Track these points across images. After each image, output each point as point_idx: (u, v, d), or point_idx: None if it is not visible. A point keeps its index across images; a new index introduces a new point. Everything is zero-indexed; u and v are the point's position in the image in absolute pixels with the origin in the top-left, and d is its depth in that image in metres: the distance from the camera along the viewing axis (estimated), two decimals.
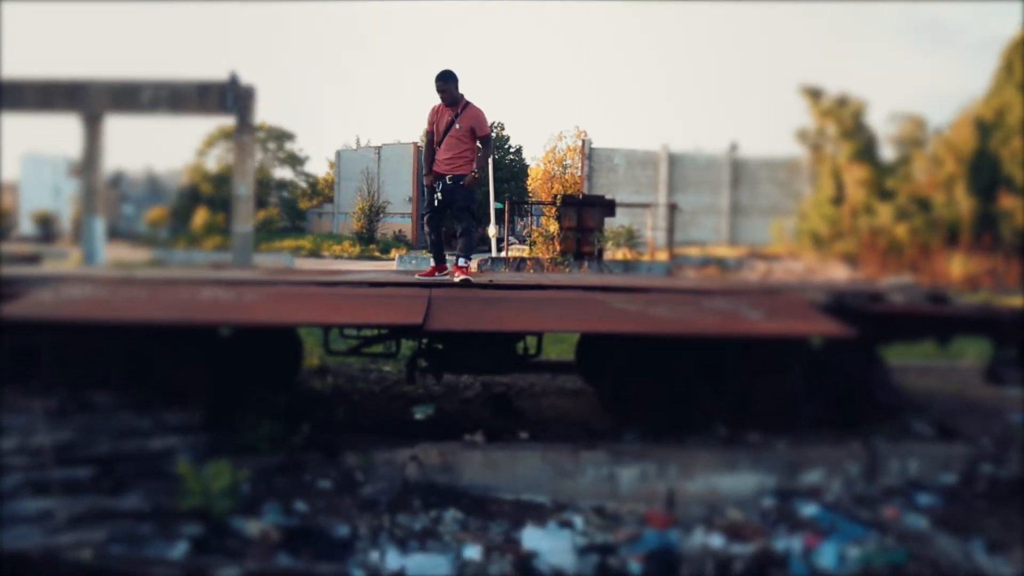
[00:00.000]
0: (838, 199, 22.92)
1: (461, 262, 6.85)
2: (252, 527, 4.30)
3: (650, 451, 5.25)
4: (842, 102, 23.33)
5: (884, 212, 21.76)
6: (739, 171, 28.42)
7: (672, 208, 24.59)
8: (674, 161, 28.67)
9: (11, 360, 5.38)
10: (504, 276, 8.21)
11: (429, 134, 7.13)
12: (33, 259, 18.70)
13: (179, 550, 4.06)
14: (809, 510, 4.90)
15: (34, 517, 4.07)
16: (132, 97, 22.31)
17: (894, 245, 21.37)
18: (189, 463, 4.34)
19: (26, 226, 51.05)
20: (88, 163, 22.62)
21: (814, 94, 23.53)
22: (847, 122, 23.17)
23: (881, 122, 23.68)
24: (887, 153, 22.95)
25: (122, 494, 4.36)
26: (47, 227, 49.81)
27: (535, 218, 27.84)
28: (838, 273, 20.67)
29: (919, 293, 6.25)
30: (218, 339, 5.65)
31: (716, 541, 4.45)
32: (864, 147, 22.93)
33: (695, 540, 4.51)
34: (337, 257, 34.40)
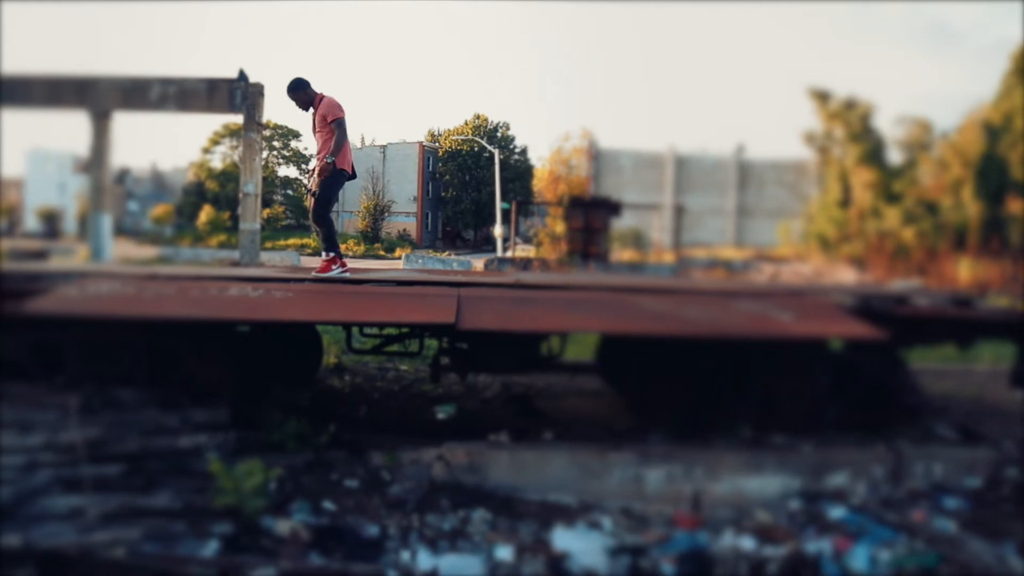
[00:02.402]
0: (845, 202, 22.90)
1: (325, 255, 6.84)
2: (282, 526, 4.29)
3: (676, 452, 5.24)
4: (850, 105, 23.31)
5: (891, 215, 21.75)
6: (746, 173, 28.37)
7: (679, 209, 24.58)
8: (681, 162, 28.60)
9: (37, 356, 5.38)
10: (530, 276, 8.18)
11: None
12: (40, 255, 18.72)
13: (210, 549, 4.04)
14: (837, 513, 4.88)
15: (66, 514, 4.06)
16: (141, 94, 22.27)
17: (901, 248, 21.35)
18: (220, 461, 4.32)
19: (31, 222, 51.10)
20: (96, 160, 22.60)
21: (822, 96, 23.50)
22: (855, 125, 23.15)
23: (888, 125, 23.65)
24: (894, 156, 22.93)
25: (152, 492, 4.35)
26: (52, 223, 49.85)
27: (541, 219, 27.83)
28: (845, 276, 20.66)
29: (943, 297, 6.24)
30: (243, 336, 5.65)
31: (747, 543, 4.44)
32: (872, 150, 22.90)
33: (725, 542, 4.49)
34: (342, 255, 34.38)
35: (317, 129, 6.91)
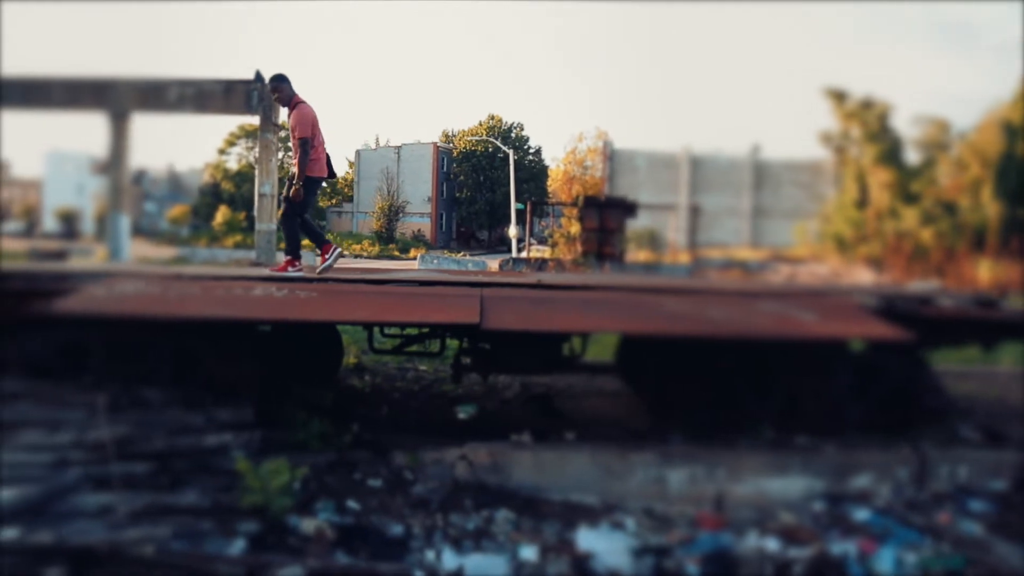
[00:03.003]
0: (862, 202, 22.75)
1: (289, 256, 6.91)
2: (308, 525, 4.31)
3: (698, 453, 5.23)
4: (867, 104, 23.14)
5: (909, 216, 21.60)
6: (761, 173, 28.21)
7: (694, 210, 24.51)
8: (696, 163, 28.48)
9: (63, 355, 5.44)
10: (551, 276, 8.19)
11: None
12: (60, 255, 18.88)
13: (237, 547, 4.07)
14: (861, 514, 4.86)
15: (95, 512, 4.10)
16: (159, 95, 22.44)
17: (919, 249, 21.20)
18: (246, 460, 4.36)
19: (49, 223, 51.58)
20: (114, 161, 22.78)
21: (838, 96, 23.34)
22: (872, 124, 22.98)
23: (906, 125, 23.46)
24: (912, 156, 22.75)
25: (179, 490, 4.39)
26: (70, 224, 50.31)
27: (555, 219, 27.81)
28: (863, 277, 20.52)
29: (966, 298, 6.20)
30: (265, 336, 5.69)
31: (772, 544, 4.42)
32: (889, 150, 22.74)
33: (749, 543, 4.48)
34: (357, 256, 34.54)
35: (292, 136, 6.87)
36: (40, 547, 3.64)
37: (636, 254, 22.34)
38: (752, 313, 5.10)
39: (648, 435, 5.58)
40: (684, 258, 23.61)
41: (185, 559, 3.76)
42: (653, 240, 23.17)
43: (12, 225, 49.31)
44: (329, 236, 40.28)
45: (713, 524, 4.72)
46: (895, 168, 22.56)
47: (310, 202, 7.15)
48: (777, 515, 4.86)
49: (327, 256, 6.89)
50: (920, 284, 15.50)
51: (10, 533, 3.69)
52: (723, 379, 5.61)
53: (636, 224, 22.49)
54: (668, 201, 27.06)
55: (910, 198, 21.90)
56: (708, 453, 5.24)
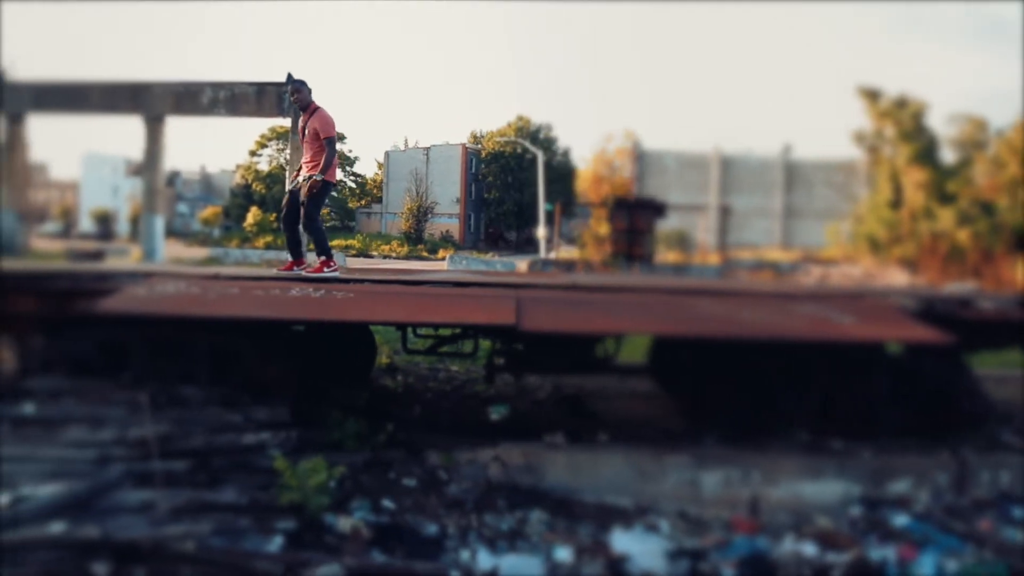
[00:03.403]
0: (896, 202, 22.41)
1: (311, 258, 7.01)
2: (344, 523, 4.36)
3: (733, 456, 5.20)
4: (901, 103, 22.80)
5: (945, 216, 21.23)
6: (793, 173, 27.93)
7: (724, 211, 24.33)
8: (726, 163, 28.27)
9: (105, 353, 5.55)
10: (585, 278, 8.19)
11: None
12: (96, 256, 19.22)
13: (275, 544, 4.13)
14: (900, 520, 4.80)
15: (138, 508, 4.18)
16: (193, 99, 22.78)
17: (956, 250, 20.83)
18: (284, 459, 4.41)
19: (85, 224, 52.56)
20: (149, 163, 23.17)
21: (872, 95, 23.03)
22: (906, 123, 22.64)
23: (941, 123, 23.06)
24: (947, 155, 22.37)
25: (218, 488, 4.45)
26: (106, 225, 51.21)
27: (584, 220, 27.75)
28: (897, 278, 20.22)
29: (1008, 300, 6.08)
30: (300, 336, 5.76)
31: (808, 549, 4.39)
32: (924, 149, 22.38)
33: (786, 547, 4.45)
34: (385, 257, 34.74)
35: (307, 139, 6.95)
36: (86, 541, 3.72)
37: (665, 255, 22.23)
38: (788, 315, 5.05)
39: (682, 437, 5.56)
40: (714, 259, 23.45)
41: (225, 555, 3.82)
42: (682, 241, 23.07)
43: (50, 226, 50.40)
44: (358, 237, 40.47)
45: (748, 528, 4.69)
46: (930, 167, 22.19)
47: (322, 206, 7.25)
48: (813, 520, 4.81)
49: (324, 270, 6.83)
50: (956, 286, 15.23)
51: (58, 527, 3.78)
52: (758, 381, 5.56)
53: (665, 225, 22.37)
54: (698, 202, 26.90)
55: (946, 198, 21.53)
56: (743, 456, 5.21)
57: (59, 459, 4.50)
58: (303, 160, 7.01)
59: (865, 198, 23.70)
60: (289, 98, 7.07)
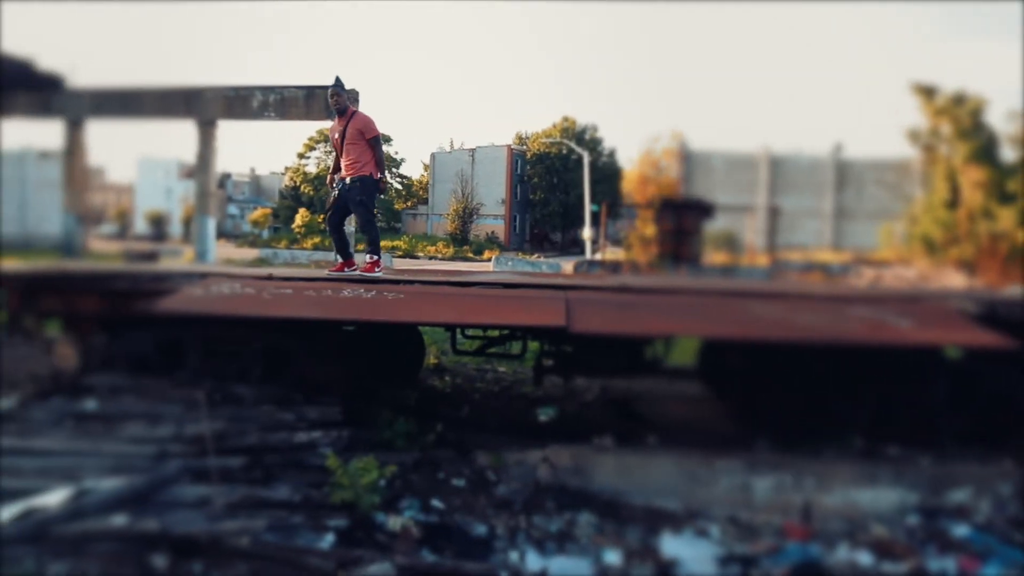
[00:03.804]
0: (953, 202, 21.81)
1: (368, 257, 7.10)
2: (394, 522, 4.40)
3: (786, 461, 5.11)
4: (959, 100, 22.18)
5: (1005, 216, 20.59)
6: (844, 173, 27.36)
7: (773, 211, 23.95)
8: (775, 163, 27.82)
9: (163, 352, 5.70)
10: (635, 279, 8.14)
11: (335, 149, 7.36)
12: (151, 256, 19.75)
13: (327, 541, 4.19)
14: (960, 531, 4.65)
15: (194, 503, 4.28)
16: (244, 103, 23.27)
17: (1016, 251, 20.18)
18: (336, 458, 4.48)
19: (140, 225, 54.04)
20: (201, 166, 23.73)
21: (927, 92, 22.45)
22: (964, 121, 22.02)
23: (1001, 120, 22.34)
24: (1008, 154, 21.68)
25: (272, 485, 4.53)
26: (160, 226, 52.57)
27: (630, 221, 27.57)
28: (954, 281, 19.65)
29: None
30: (351, 336, 5.83)
31: (864, 558, 4.29)
32: (983, 147, 21.74)
33: (840, 555, 4.35)
34: (431, 258, 35.00)
35: (349, 141, 7.07)
36: (146, 534, 3.82)
37: (713, 257, 21.96)
38: (843, 318, 4.95)
39: (732, 441, 5.48)
40: (762, 261, 23.10)
41: (279, 551, 3.89)
42: (730, 242, 22.77)
43: (107, 227, 52.01)
44: (404, 239, 40.89)
45: (801, 534, 4.60)
46: (989, 166, 21.55)
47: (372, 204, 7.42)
48: (869, 528, 4.70)
49: (375, 270, 7.05)
50: (1017, 288, 14.74)
51: (119, 520, 3.89)
52: (811, 386, 5.46)
53: (713, 226, 22.10)
54: (746, 202, 26.52)
55: (1006, 197, 20.88)
56: (795, 461, 5.12)
57: (119, 454, 4.64)
58: (345, 162, 7.13)
59: (920, 198, 23.11)
60: (329, 102, 7.16)
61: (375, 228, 7.33)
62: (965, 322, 5.03)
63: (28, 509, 3.95)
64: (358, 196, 7.08)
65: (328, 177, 7.43)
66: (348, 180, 7.05)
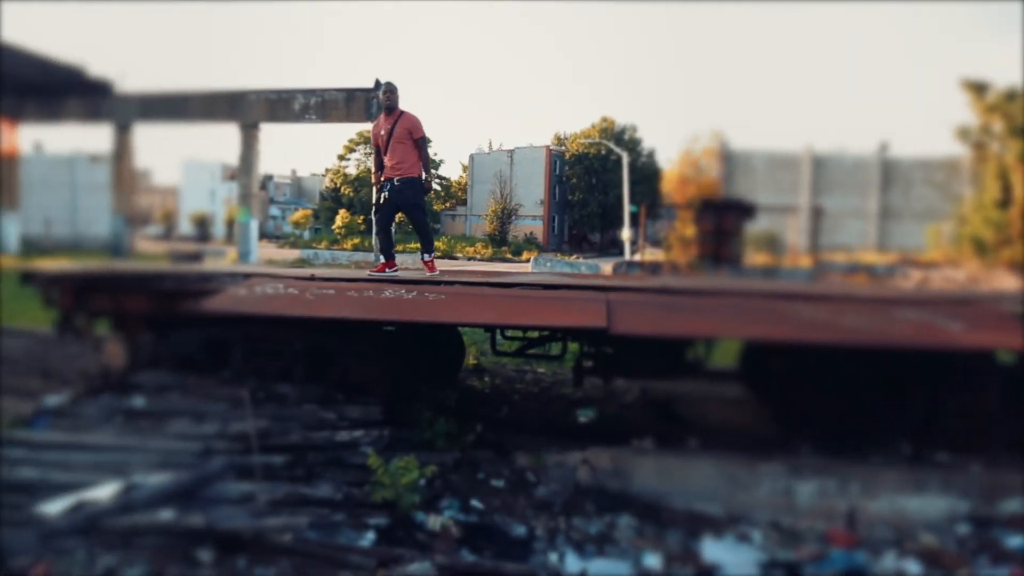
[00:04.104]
0: (1005, 201, 21.23)
1: (426, 257, 7.28)
2: (434, 522, 4.41)
3: (830, 466, 5.02)
4: (1011, 96, 21.56)
5: None
6: (890, 172, 26.81)
7: (816, 211, 23.57)
8: (818, 162, 27.36)
9: (208, 351, 5.80)
10: (675, 280, 8.07)
11: (376, 147, 7.41)
12: (196, 257, 20.14)
13: (367, 539, 4.22)
14: (1014, 541, 4.52)
15: (238, 499, 4.34)
16: (285, 106, 23.64)
17: None
18: (378, 457, 4.51)
19: (184, 226, 55.16)
20: (244, 168, 24.17)
21: (978, 88, 21.88)
22: (1017, 117, 21.41)
23: None
24: None
25: (314, 483, 4.58)
26: (204, 227, 53.59)
27: (669, 221, 27.36)
28: (1006, 282, 19.11)
29: None
30: (391, 336, 5.87)
31: (912, 567, 4.19)
32: None
33: (886, 564, 4.26)
34: (470, 259, 35.11)
35: (396, 139, 7.13)
36: (192, 529, 3.89)
37: (754, 258, 21.69)
38: (891, 321, 4.84)
39: (775, 445, 5.40)
40: (805, 262, 22.74)
41: (321, 548, 3.93)
42: (772, 243, 22.46)
43: (153, 229, 53.21)
44: (443, 239, 41.12)
45: (845, 541, 4.52)
46: None
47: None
48: (917, 536, 4.59)
49: (387, 270, 7.21)
50: None
51: (166, 515, 3.97)
52: (856, 389, 5.35)
53: (754, 227, 21.82)
54: (788, 203, 26.15)
55: None
56: (840, 466, 5.02)
57: (166, 450, 4.73)
58: (390, 162, 7.17)
59: (970, 197, 22.54)
60: (380, 98, 7.22)
61: (429, 229, 7.52)
62: (1018, 325, 4.89)
63: (79, 502, 4.06)
64: (411, 199, 7.21)
65: (374, 177, 7.49)
66: (396, 181, 7.12)
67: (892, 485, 4.94)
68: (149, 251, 28.17)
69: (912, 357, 5.11)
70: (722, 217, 20.15)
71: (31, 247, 26.05)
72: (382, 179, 7.30)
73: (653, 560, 4.17)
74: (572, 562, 4.14)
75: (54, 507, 4.02)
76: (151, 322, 6.09)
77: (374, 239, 22.76)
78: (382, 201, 7.28)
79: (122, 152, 25.97)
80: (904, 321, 4.78)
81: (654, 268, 20.08)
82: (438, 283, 5.72)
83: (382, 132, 7.22)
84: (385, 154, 7.20)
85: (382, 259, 7.46)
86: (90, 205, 32.06)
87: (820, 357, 5.28)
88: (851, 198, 26.85)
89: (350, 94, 23.18)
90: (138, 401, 5.45)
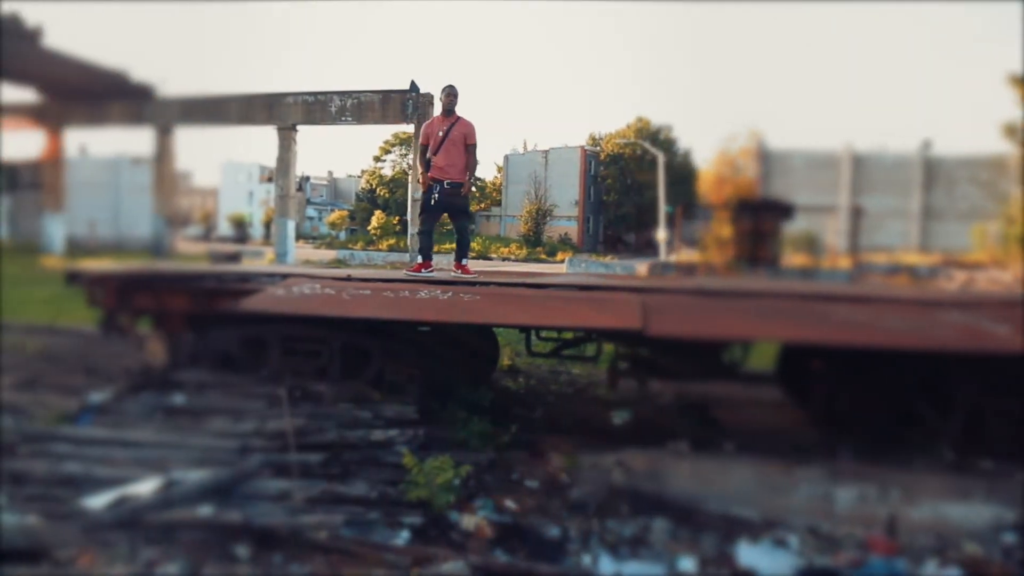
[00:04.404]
0: None
1: (464, 261, 7.37)
2: (468, 521, 4.42)
3: (870, 471, 4.93)
4: None
5: None
6: (933, 171, 26.27)
7: (856, 211, 23.18)
8: (858, 161, 26.90)
9: (246, 350, 5.88)
10: (711, 281, 8.00)
11: (423, 145, 7.50)
12: (234, 257, 20.48)
13: (402, 538, 4.25)
14: None
15: (275, 496, 4.40)
16: (322, 108, 23.91)
17: None
18: (413, 456, 4.54)
19: (223, 227, 56.11)
20: (281, 170, 24.50)
21: None
22: None
23: None
24: None
25: (349, 481, 4.62)
26: (242, 228, 54.43)
27: (706, 222, 27.11)
28: None
29: None
30: (426, 336, 5.90)
31: None
32: None
33: (928, 572, 4.16)
34: (504, 259, 35.16)
35: (452, 142, 7.30)
36: (230, 525, 3.95)
37: (792, 258, 21.40)
38: (934, 323, 4.73)
39: (813, 449, 5.32)
40: (844, 263, 22.39)
41: (355, 546, 3.96)
42: (811, 244, 22.15)
43: (193, 229, 54.25)
44: (477, 240, 41.21)
45: (885, 549, 4.42)
46: None
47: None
48: (960, 545, 4.48)
49: (423, 271, 7.32)
50: None
51: (205, 510, 4.03)
52: (898, 394, 5.25)
53: (792, 227, 21.54)
54: (827, 203, 25.77)
55: None
56: (880, 472, 4.93)
57: (205, 447, 4.81)
58: (441, 163, 7.31)
59: (1016, 196, 21.98)
60: (442, 100, 7.34)
61: (469, 234, 7.74)
62: None
63: (122, 496, 4.15)
64: (462, 205, 7.47)
65: (421, 177, 7.52)
66: (447, 184, 7.30)
67: (935, 492, 4.83)
68: (189, 252, 28.69)
69: (957, 361, 5.00)
70: (759, 217, 19.96)
71: (76, 248, 26.71)
72: (430, 180, 7.37)
73: (688, 564, 4.13)
74: (606, 564, 4.12)
75: (98, 501, 4.11)
76: (191, 321, 6.20)
77: (410, 239, 22.94)
78: (432, 203, 7.39)
79: (163, 155, 26.51)
80: (948, 323, 4.67)
81: (690, 269, 19.92)
82: (472, 284, 5.74)
83: (439, 132, 7.33)
84: (435, 154, 7.28)
85: (420, 259, 7.53)
86: (132, 206, 32.77)
87: (861, 360, 5.19)
88: (892, 198, 26.37)
89: (385, 96, 23.38)
90: (178, 398, 5.55)
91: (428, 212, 7.48)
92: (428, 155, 7.37)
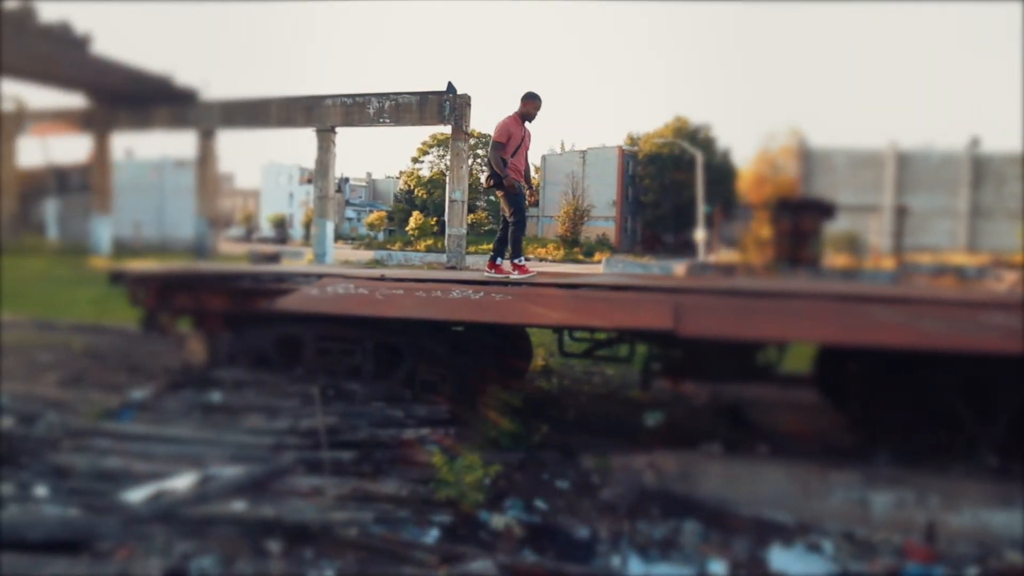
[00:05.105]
0: None
1: (520, 260, 7.32)
2: (497, 521, 4.44)
3: (907, 477, 4.83)
4: None
5: None
6: (981, 169, 25.60)
7: (900, 211, 22.69)
8: (903, 159, 26.33)
9: (281, 349, 5.98)
10: (747, 282, 7.91)
11: (502, 143, 7.38)
12: (274, 258, 20.78)
13: (431, 536, 4.27)
14: None
15: (307, 493, 4.46)
16: (360, 109, 24.15)
17: None
18: (443, 455, 4.57)
19: (264, 228, 56.98)
20: (320, 171, 24.80)
21: None
22: None
23: None
24: None
25: (380, 479, 4.67)
26: (282, 229, 55.20)
27: (745, 222, 26.77)
28: None
29: None
30: (461, 336, 5.93)
31: None
32: None
33: None
34: (542, 260, 35.13)
35: (526, 148, 7.46)
36: (263, 520, 4.02)
37: (833, 259, 21.04)
38: (976, 326, 4.62)
39: (849, 453, 5.23)
40: (888, 263, 21.94)
41: (385, 543, 4.00)
42: (853, 244, 21.75)
43: (235, 230, 55.21)
44: None
45: (923, 556, 4.33)
46: None
47: None
48: (1001, 553, 4.37)
49: (491, 271, 7.42)
50: None
51: (239, 506, 4.11)
52: (938, 398, 5.13)
53: (834, 227, 21.16)
54: (870, 202, 25.28)
55: None
56: (919, 477, 4.83)
57: (240, 444, 4.90)
58: (520, 167, 7.44)
59: None
60: (531, 107, 7.36)
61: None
62: None
63: (160, 491, 4.24)
64: (526, 207, 7.52)
65: (509, 176, 7.33)
66: (517, 186, 7.42)
67: (975, 498, 4.71)
68: (231, 252, 29.20)
69: (1001, 364, 4.87)
70: (799, 217, 19.66)
71: (122, 249, 27.38)
72: (514, 180, 7.44)
73: (718, 567, 4.09)
74: (635, 566, 4.10)
75: (136, 495, 4.22)
76: (229, 320, 6.31)
77: (447, 239, 23.03)
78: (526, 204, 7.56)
79: (206, 157, 27.03)
80: (992, 326, 4.55)
81: (728, 270, 19.70)
82: (505, 283, 5.75)
83: (524, 136, 7.44)
84: (513, 156, 7.36)
85: (522, 259, 7.46)
86: (176, 208, 33.48)
87: (899, 362, 5.09)
88: (939, 196, 25.76)
89: (423, 97, 23.53)
90: (215, 396, 5.66)
91: (524, 211, 7.57)
92: (507, 155, 7.35)
